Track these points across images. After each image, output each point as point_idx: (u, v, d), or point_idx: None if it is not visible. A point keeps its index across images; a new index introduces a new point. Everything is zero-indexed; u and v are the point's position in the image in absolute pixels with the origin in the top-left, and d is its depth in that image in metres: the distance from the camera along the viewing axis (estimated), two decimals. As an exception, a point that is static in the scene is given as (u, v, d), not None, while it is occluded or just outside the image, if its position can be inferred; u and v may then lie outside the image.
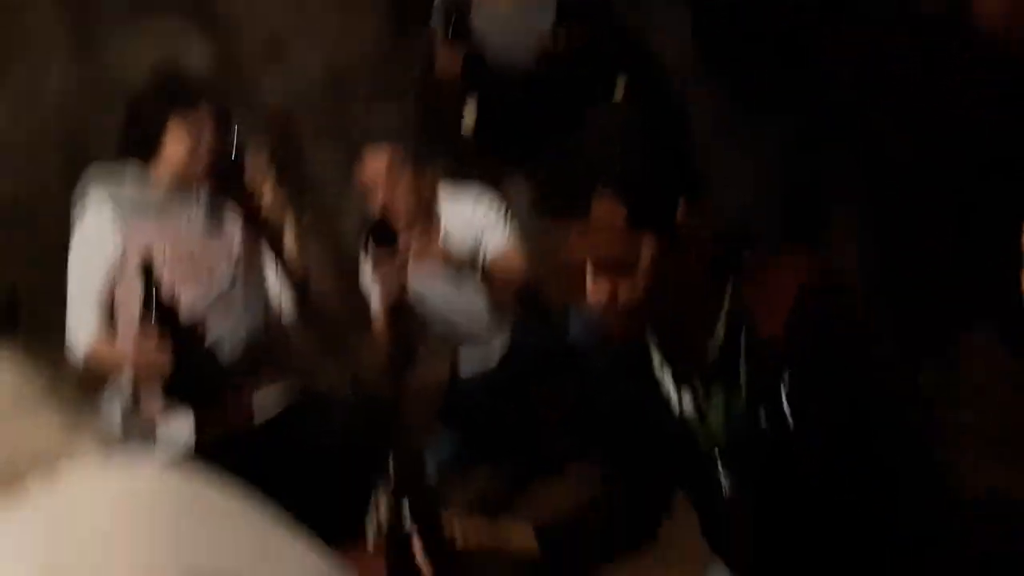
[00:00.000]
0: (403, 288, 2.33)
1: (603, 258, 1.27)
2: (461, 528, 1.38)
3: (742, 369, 1.29)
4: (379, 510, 1.22)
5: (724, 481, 1.36)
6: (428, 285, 2.79)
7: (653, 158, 1.30)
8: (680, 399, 1.37)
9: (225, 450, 2.29)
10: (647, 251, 1.25)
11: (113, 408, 2.63)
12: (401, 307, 2.71)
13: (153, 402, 2.31)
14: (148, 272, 2.12)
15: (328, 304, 3.64)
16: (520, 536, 1.47)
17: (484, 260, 2.63)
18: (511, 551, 1.45)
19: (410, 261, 2.28)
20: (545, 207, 1.33)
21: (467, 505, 2.98)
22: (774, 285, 1.28)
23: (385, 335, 2.78)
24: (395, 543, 1.20)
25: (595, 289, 1.28)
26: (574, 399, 2.28)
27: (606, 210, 1.25)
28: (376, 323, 2.79)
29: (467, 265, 2.28)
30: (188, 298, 2.22)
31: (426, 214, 2.81)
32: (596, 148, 1.32)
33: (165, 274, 2.16)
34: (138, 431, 2.60)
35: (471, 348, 2.98)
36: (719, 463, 1.36)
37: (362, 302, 2.97)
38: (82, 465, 0.61)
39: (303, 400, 2.35)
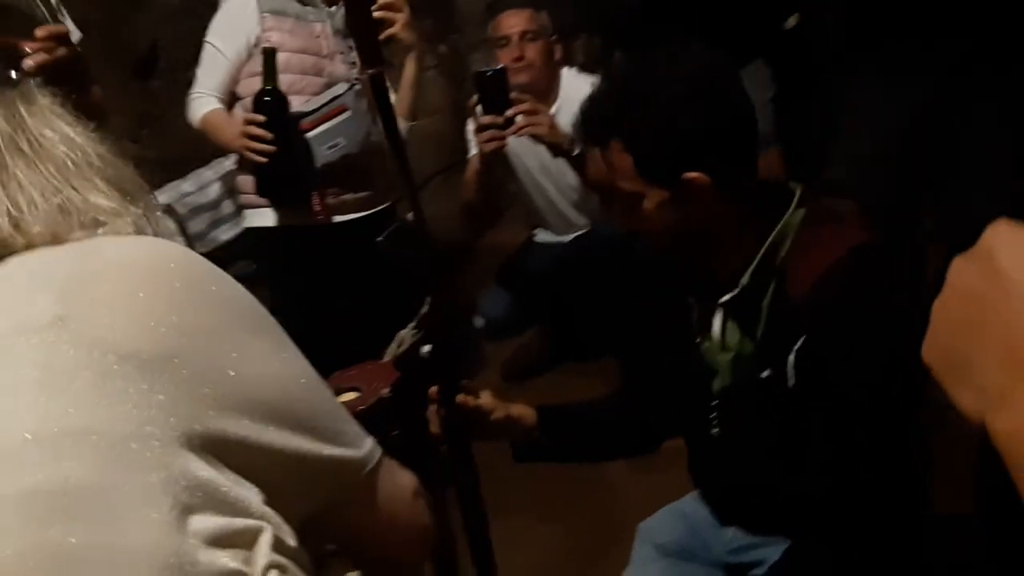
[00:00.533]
0: (502, 146, 2.39)
1: (615, 193, 1.34)
2: (475, 393, 1.47)
3: (762, 317, 1.32)
4: (404, 335, 1.35)
5: (717, 418, 1.41)
6: (528, 152, 2.87)
7: (673, 119, 1.28)
8: (700, 326, 1.42)
9: (297, 241, 2.47)
10: (649, 203, 1.31)
11: (211, 183, 2.83)
12: (496, 163, 2.79)
13: (246, 185, 2.48)
14: (271, 65, 2.26)
15: (430, 138, 3.76)
16: (524, 415, 1.53)
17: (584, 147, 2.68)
18: (513, 424, 1.51)
19: (517, 124, 2.32)
20: (576, 131, 1.41)
21: (502, 364, 3.15)
22: (820, 244, 1.28)
23: (474, 184, 2.87)
24: (410, 357, 1.31)
25: (605, 210, 1.37)
26: (620, 298, 2.35)
27: (616, 153, 1.31)
28: (469, 170, 2.89)
29: (568, 146, 2.33)
30: (299, 101, 2.36)
31: (546, 85, 2.87)
32: (616, 96, 1.34)
33: (286, 75, 2.31)
34: (229, 209, 2.81)
35: (551, 220, 3.07)
36: (716, 400, 1.41)
37: (463, 145, 3.06)
38: (121, 233, 0.74)
39: (378, 216, 2.49)
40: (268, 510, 0.70)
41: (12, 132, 0.75)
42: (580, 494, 2.25)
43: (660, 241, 1.35)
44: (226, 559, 0.66)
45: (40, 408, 0.63)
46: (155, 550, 0.62)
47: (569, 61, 3.03)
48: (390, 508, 0.86)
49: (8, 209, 0.72)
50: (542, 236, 3.17)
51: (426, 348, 1.34)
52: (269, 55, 2.27)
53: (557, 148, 2.36)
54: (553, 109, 2.76)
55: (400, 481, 0.89)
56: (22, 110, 0.77)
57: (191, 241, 2.66)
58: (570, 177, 2.75)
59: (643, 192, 1.31)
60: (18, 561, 0.60)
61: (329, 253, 2.44)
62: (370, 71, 1.24)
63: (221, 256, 2.77)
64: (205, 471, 0.67)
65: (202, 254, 2.37)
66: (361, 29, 1.33)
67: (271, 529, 0.69)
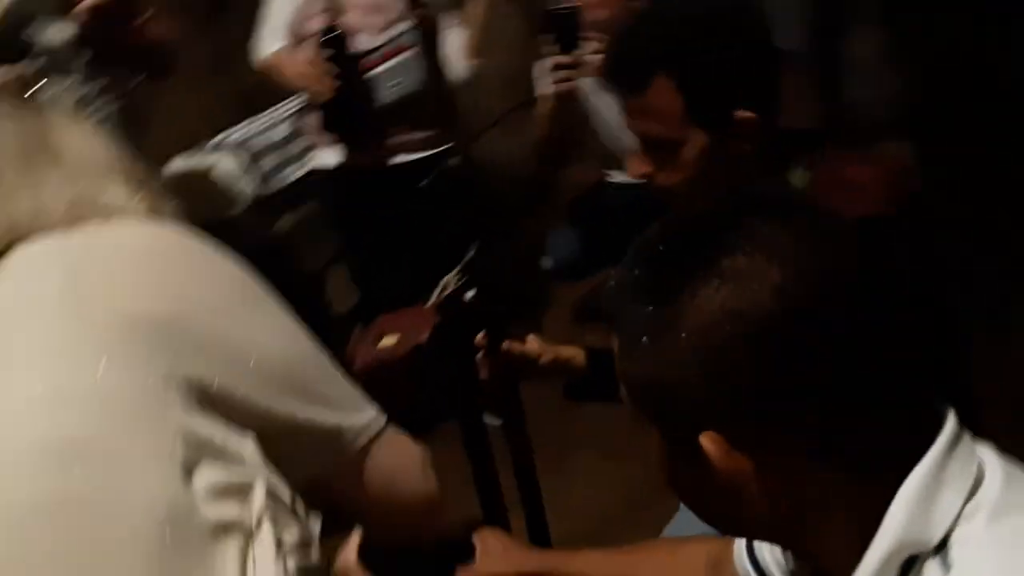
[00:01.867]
0: (573, 87, 2.34)
1: (650, 139, 1.26)
2: (522, 339, 1.45)
3: None
4: (448, 280, 1.34)
5: None
6: (601, 94, 2.81)
7: (728, 58, 1.22)
8: None
9: (360, 181, 2.48)
10: (692, 147, 1.24)
11: (281, 122, 2.85)
12: (568, 103, 2.74)
13: (312, 124, 2.49)
14: (336, 3, 2.26)
15: (505, 75, 3.71)
16: (574, 356, 1.51)
17: None
18: (563, 366, 1.49)
19: (588, 64, 2.27)
20: (608, 76, 1.32)
21: (572, 304, 3.14)
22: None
23: (545, 123, 2.83)
24: (453, 303, 1.31)
25: (635, 163, 1.29)
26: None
27: (662, 94, 1.23)
28: (541, 109, 2.84)
29: None
30: (364, 41, 2.35)
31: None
32: (670, 29, 1.27)
33: (350, 13, 2.29)
34: (297, 149, 2.83)
35: (624, 160, 3.01)
36: None
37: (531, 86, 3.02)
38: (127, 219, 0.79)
39: (439, 156, 2.48)
40: (262, 462, 0.72)
41: (39, 135, 0.81)
42: (640, 441, 2.24)
43: (683, 195, 1.27)
44: (224, 509, 0.68)
45: (51, 370, 0.68)
46: (157, 500, 0.66)
47: None
48: (388, 478, 0.87)
49: (32, 204, 0.77)
50: (616, 176, 3.12)
51: (470, 294, 1.34)
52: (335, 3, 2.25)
53: None
54: None
55: (404, 450, 0.89)
56: (47, 116, 0.84)
57: (261, 180, 2.69)
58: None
59: (682, 138, 1.25)
60: (30, 505, 0.64)
61: (391, 193, 2.44)
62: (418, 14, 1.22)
63: (290, 195, 2.81)
64: (205, 428, 0.69)
65: (272, 193, 2.40)
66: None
67: (264, 480, 0.71)
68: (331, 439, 0.80)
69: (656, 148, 1.27)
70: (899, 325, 0.67)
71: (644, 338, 0.67)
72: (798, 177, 1.26)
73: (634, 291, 0.69)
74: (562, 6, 2.31)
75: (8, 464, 0.65)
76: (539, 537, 1.48)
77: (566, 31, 2.25)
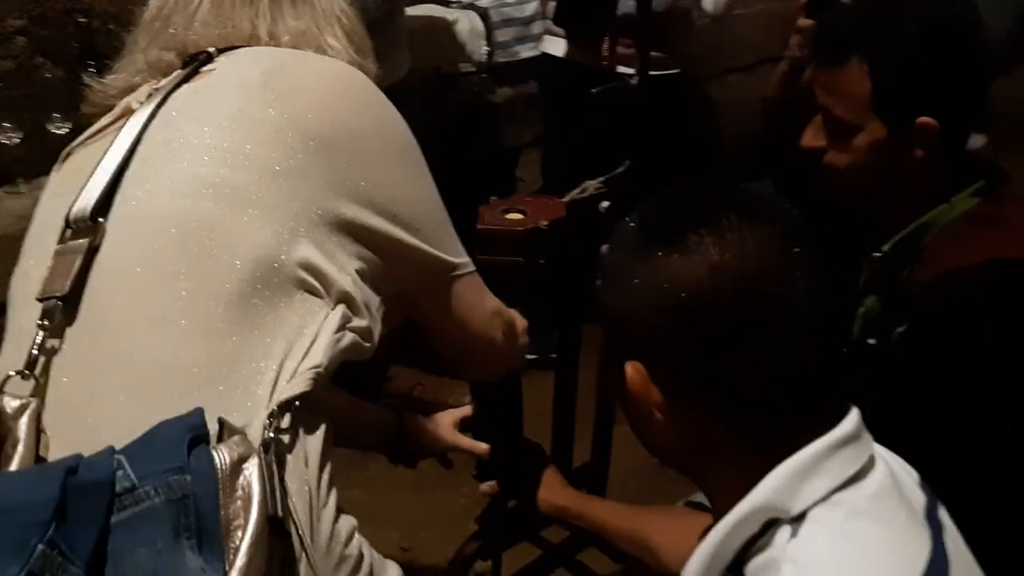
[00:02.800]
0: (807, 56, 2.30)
1: (830, 116, 1.27)
2: None
3: (894, 288, 1.28)
4: (590, 184, 1.44)
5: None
6: None
7: (925, 62, 1.21)
8: (846, 274, 1.38)
9: (579, 77, 2.56)
10: (867, 136, 1.24)
11: (526, 1, 2.95)
12: (802, 71, 2.69)
13: (551, 11, 2.59)
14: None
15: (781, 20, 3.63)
16: None
17: None
18: None
19: None
20: (810, 43, 1.34)
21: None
22: (964, 241, 1.20)
23: (776, 84, 2.76)
24: (585, 205, 1.41)
25: (810, 134, 1.31)
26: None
27: (853, 75, 1.23)
28: (777, 69, 2.80)
29: None
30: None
31: None
32: (880, 16, 1.25)
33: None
34: (537, 30, 2.93)
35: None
36: (844, 348, 1.37)
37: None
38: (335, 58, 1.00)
39: (661, 79, 2.51)
40: (356, 271, 0.89)
41: None
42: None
43: (844, 178, 1.30)
44: (309, 280, 0.85)
45: (228, 132, 0.86)
46: (260, 247, 0.83)
47: None
48: (463, 313, 1.05)
49: (270, 28, 0.99)
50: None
51: (605, 204, 1.43)
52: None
53: None
54: None
55: (480, 297, 1.08)
56: None
57: (494, 47, 2.82)
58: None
59: (861, 124, 1.25)
60: (172, 212, 0.84)
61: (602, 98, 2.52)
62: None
63: (516, 70, 2.94)
64: (323, 232, 0.87)
65: (499, 63, 2.55)
66: None
67: (351, 277, 0.88)
68: (426, 265, 0.97)
69: (833, 126, 1.28)
70: (820, 323, 0.80)
71: (619, 276, 0.84)
72: (961, 202, 1.26)
73: (623, 240, 0.86)
74: None
75: (169, 187, 0.85)
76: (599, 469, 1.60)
77: None
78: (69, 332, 0.81)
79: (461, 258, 1.03)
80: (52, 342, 0.81)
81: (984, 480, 1.13)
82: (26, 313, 0.83)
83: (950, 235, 1.23)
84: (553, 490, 1.36)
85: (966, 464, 1.11)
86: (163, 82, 0.95)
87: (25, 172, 2.05)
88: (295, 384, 0.80)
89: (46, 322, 0.81)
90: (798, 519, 0.75)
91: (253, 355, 0.80)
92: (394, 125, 0.96)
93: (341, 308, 0.86)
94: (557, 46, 2.61)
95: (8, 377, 0.79)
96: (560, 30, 2.56)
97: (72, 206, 0.85)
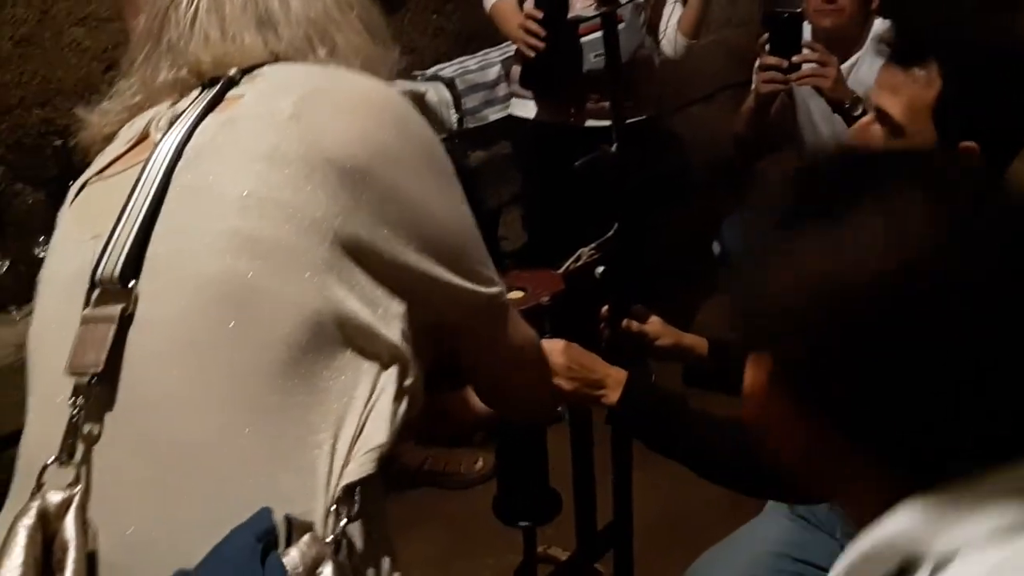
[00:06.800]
0: (780, 91, 2.34)
1: (884, 115, 1.29)
2: (644, 318, 1.52)
3: None
4: (583, 252, 1.46)
5: None
6: (813, 95, 2.76)
7: (996, 87, 1.23)
8: None
9: (550, 136, 2.60)
10: (912, 140, 1.25)
11: (493, 64, 3.00)
12: (771, 103, 2.72)
13: (516, 73, 2.64)
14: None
15: (733, 50, 3.70)
16: (696, 344, 1.55)
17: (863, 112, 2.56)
18: (683, 352, 1.55)
19: (801, 72, 2.24)
20: (888, 33, 1.34)
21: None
22: None
23: (745, 119, 2.82)
24: (582, 274, 1.43)
25: (864, 128, 1.34)
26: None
27: (923, 80, 1.25)
28: (745, 104, 2.85)
29: (850, 104, 2.23)
30: (582, 5, 2.46)
31: (851, 33, 2.60)
32: (960, 30, 1.29)
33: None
34: (502, 92, 2.98)
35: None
36: None
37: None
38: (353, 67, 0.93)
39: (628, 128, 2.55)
40: (404, 321, 0.84)
41: None
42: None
43: None
44: (361, 338, 0.81)
45: (261, 176, 0.80)
46: (305, 306, 0.78)
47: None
48: (499, 343, 1.00)
49: (281, 34, 0.91)
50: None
51: (600, 269, 1.46)
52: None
53: (837, 105, 2.27)
54: (852, 60, 2.62)
55: (515, 326, 1.02)
56: None
57: (463, 114, 2.86)
58: (847, 133, 2.64)
59: (915, 129, 1.26)
60: (211, 274, 0.78)
61: (575, 153, 2.55)
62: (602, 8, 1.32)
63: (486, 134, 2.97)
64: (358, 272, 0.81)
65: (470, 128, 2.58)
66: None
67: (400, 331, 0.83)
68: (461, 297, 0.91)
69: (884, 126, 1.30)
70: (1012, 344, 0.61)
71: (760, 256, 0.69)
72: None
73: (766, 214, 0.71)
74: (786, 10, 2.29)
75: (205, 243, 0.79)
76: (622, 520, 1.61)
77: (785, 36, 2.24)
78: (108, 416, 0.76)
79: (493, 288, 0.95)
80: (89, 425, 0.76)
81: None
82: (52, 385, 0.78)
83: None
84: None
85: None
86: (182, 105, 0.88)
87: (15, 299, 2.05)
88: (359, 466, 0.77)
89: (80, 399, 0.76)
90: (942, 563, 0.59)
91: (308, 429, 0.77)
92: (430, 147, 0.90)
93: (394, 369, 0.82)
94: (526, 108, 2.65)
95: (45, 467, 0.75)
96: (527, 92, 2.60)
97: (99, 264, 0.79)
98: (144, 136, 0.88)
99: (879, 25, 2.67)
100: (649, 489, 1.83)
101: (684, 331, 1.56)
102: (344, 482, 0.76)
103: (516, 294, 1.36)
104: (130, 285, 0.78)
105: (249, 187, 0.79)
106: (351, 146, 0.82)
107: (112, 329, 0.76)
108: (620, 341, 1.51)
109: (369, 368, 0.80)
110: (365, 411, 0.79)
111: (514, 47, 2.85)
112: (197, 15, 0.91)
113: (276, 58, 0.91)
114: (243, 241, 0.78)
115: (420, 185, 0.87)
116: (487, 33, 2.98)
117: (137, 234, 0.79)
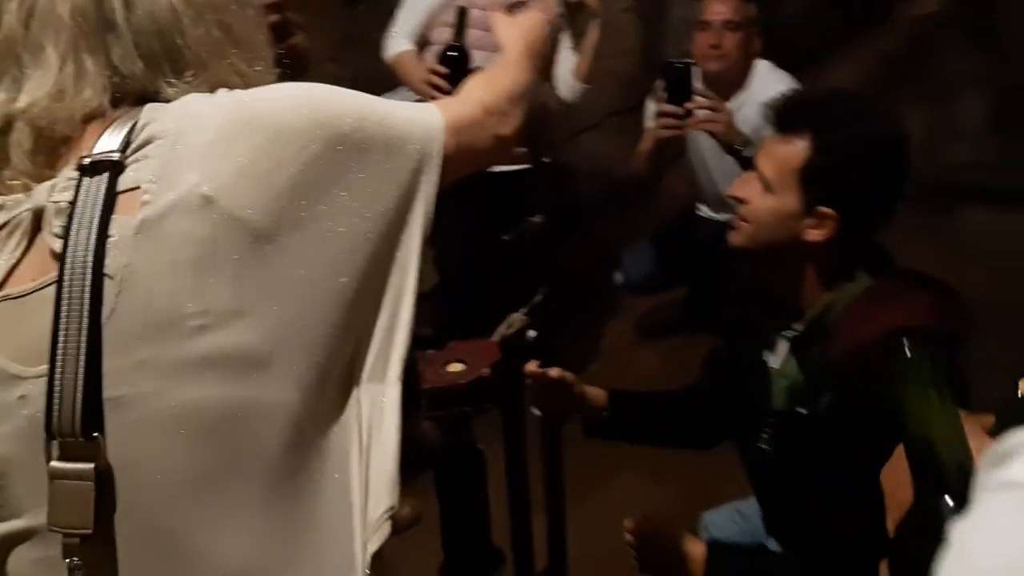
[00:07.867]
0: (676, 136, 2.46)
1: (759, 175, 1.47)
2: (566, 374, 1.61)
3: (815, 361, 1.41)
4: (515, 318, 1.52)
5: (766, 436, 1.50)
6: (701, 143, 2.90)
7: (851, 159, 1.42)
8: (770, 345, 1.51)
9: (455, 184, 2.64)
10: (778, 202, 1.44)
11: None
12: (666, 147, 2.82)
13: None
14: (461, 22, 2.45)
15: (615, 77, 3.82)
16: (596, 396, 1.65)
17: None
18: (584, 403, 1.64)
19: (696, 118, 2.37)
20: (772, 104, 1.51)
21: (637, 318, 3.33)
22: (868, 316, 1.34)
23: (642, 161, 2.92)
24: (515, 340, 1.50)
25: (736, 186, 1.52)
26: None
27: (794, 147, 1.44)
28: (641, 145, 2.94)
29: (740, 145, 2.37)
30: (482, 56, 2.52)
31: (736, 76, 2.83)
32: (838, 106, 1.47)
33: (471, 33, 2.48)
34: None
35: (710, 200, 3.14)
36: (770, 418, 1.49)
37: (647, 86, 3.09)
38: None
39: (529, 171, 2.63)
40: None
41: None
42: (693, 462, 2.18)
43: (749, 239, 1.46)
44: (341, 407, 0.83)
45: (202, 290, 0.74)
46: (285, 408, 0.78)
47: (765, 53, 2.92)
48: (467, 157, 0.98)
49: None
50: (704, 211, 3.25)
51: (532, 333, 1.53)
52: (461, 13, 2.44)
53: (729, 147, 2.40)
54: (739, 101, 2.75)
55: (469, 134, 0.97)
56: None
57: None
58: (737, 172, 2.78)
59: (781, 189, 1.42)
60: (179, 407, 0.75)
61: (483, 200, 2.60)
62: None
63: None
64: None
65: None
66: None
67: None
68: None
69: (761, 181, 1.45)
70: None
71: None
72: (856, 285, 1.41)
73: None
74: (679, 61, 2.43)
75: (160, 373, 0.75)
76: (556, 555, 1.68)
77: (679, 84, 2.37)
78: (107, 568, 0.76)
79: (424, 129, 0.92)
80: None
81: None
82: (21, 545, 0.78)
83: (853, 314, 1.37)
84: None
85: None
86: (61, 196, 0.77)
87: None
88: (376, 533, 0.82)
89: (76, 560, 0.74)
90: None
91: (327, 522, 0.81)
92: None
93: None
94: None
95: None
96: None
97: (53, 416, 0.73)
98: (36, 221, 0.78)
99: (760, 67, 2.86)
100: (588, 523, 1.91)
101: (592, 359, 1.66)
102: (368, 558, 0.81)
103: (456, 366, 1.42)
104: (94, 436, 0.74)
105: (194, 303, 0.74)
106: (263, 209, 0.77)
107: (91, 490, 0.74)
108: (547, 392, 1.60)
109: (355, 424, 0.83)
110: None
111: (415, 98, 2.90)
112: (26, 49, 0.81)
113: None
114: (204, 363, 0.75)
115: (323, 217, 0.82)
116: (388, 77, 3.01)
117: (86, 375, 0.73)
